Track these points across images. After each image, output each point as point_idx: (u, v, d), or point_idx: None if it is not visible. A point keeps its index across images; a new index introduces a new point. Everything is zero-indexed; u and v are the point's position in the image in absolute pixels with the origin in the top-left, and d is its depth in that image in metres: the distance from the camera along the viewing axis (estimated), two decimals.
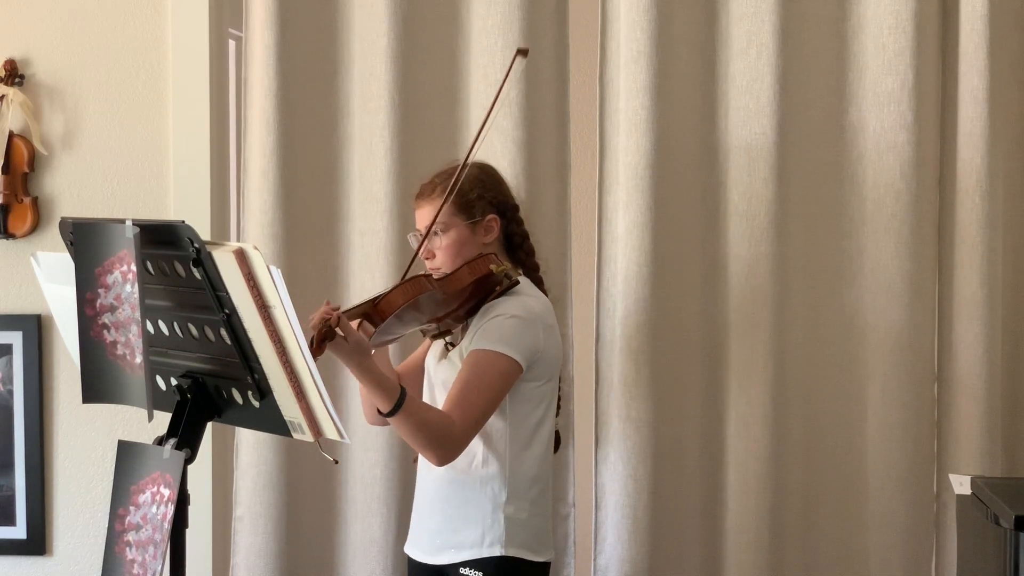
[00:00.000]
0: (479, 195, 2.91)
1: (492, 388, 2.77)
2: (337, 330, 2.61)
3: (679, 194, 3.35)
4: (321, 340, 2.60)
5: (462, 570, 2.82)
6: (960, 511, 3.04)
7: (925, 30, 3.31)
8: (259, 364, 2.29)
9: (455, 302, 2.83)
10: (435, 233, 2.88)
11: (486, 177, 2.96)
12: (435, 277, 2.82)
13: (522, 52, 2.96)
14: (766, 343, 3.34)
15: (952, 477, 3.04)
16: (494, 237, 2.93)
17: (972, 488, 2.85)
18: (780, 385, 3.36)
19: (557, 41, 3.38)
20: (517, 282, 2.89)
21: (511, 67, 2.93)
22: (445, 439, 2.73)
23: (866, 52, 3.34)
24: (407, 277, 2.79)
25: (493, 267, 2.85)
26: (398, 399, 2.69)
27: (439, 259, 2.88)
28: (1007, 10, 3.32)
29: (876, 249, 3.34)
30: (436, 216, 2.84)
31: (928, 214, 3.34)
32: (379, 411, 2.72)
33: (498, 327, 2.80)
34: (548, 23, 3.37)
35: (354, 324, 2.67)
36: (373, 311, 2.73)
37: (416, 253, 2.88)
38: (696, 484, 3.39)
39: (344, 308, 2.71)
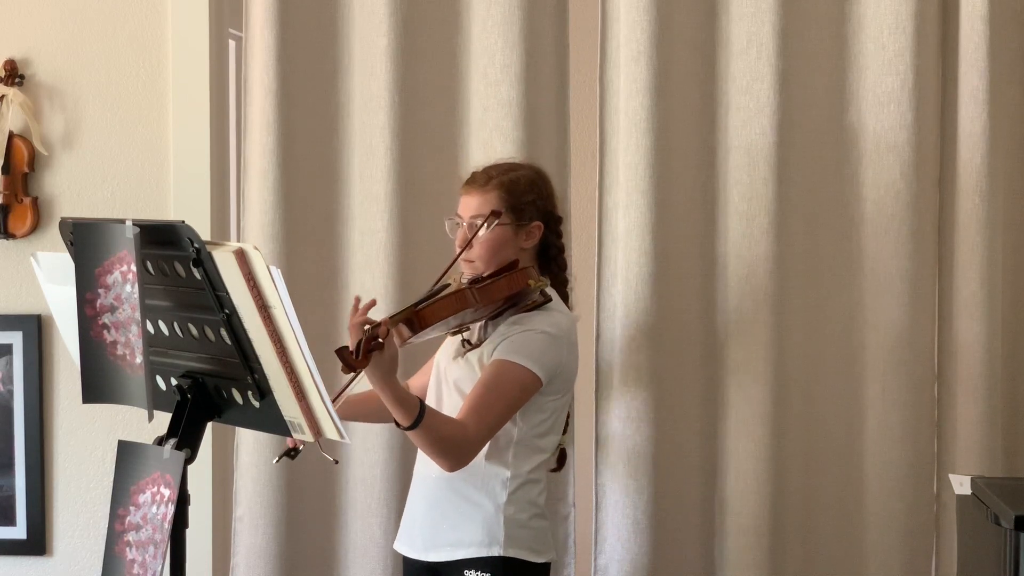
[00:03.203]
0: (532, 200, 2.88)
1: (510, 399, 2.77)
2: (383, 341, 2.59)
3: (679, 194, 3.35)
4: (369, 350, 2.58)
5: (466, 571, 2.81)
6: (960, 511, 3.04)
7: (925, 30, 3.31)
8: (259, 364, 2.29)
9: (487, 310, 2.83)
10: (477, 226, 2.85)
11: (542, 183, 2.94)
12: (475, 286, 2.79)
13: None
14: (766, 343, 3.34)
15: (952, 477, 3.04)
16: (533, 244, 2.92)
17: (972, 488, 2.85)
18: (780, 385, 3.36)
19: (557, 41, 3.38)
20: (550, 299, 2.89)
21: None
22: (458, 448, 2.73)
23: (866, 52, 3.34)
24: (454, 289, 2.78)
25: (531, 282, 2.84)
26: (417, 415, 2.67)
27: (476, 251, 2.86)
28: (1007, 10, 3.32)
29: (876, 249, 3.34)
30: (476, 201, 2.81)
31: (928, 214, 3.34)
32: (396, 424, 2.71)
33: (527, 341, 2.79)
34: (548, 23, 3.37)
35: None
36: (415, 318, 2.71)
37: (465, 244, 2.83)
38: (696, 484, 3.39)
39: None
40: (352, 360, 2.58)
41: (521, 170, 2.92)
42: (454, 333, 2.93)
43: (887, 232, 3.33)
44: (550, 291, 2.92)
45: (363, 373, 2.64)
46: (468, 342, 2.90)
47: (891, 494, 3.35)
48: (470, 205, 2.87)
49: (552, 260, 2.97)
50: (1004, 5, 3.31)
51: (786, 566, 3.39)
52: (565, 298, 3.00)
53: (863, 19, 3.34)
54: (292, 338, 2.23)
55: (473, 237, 2.83)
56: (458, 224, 2.90)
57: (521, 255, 2.88)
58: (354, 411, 3.04)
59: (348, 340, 2.64)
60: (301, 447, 2.82)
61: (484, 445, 2.77)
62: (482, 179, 2.88)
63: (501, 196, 2.85)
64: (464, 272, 2.89)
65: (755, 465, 3.35)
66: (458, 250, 2.87)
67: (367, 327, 2.59)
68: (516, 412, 2.79)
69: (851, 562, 3.39)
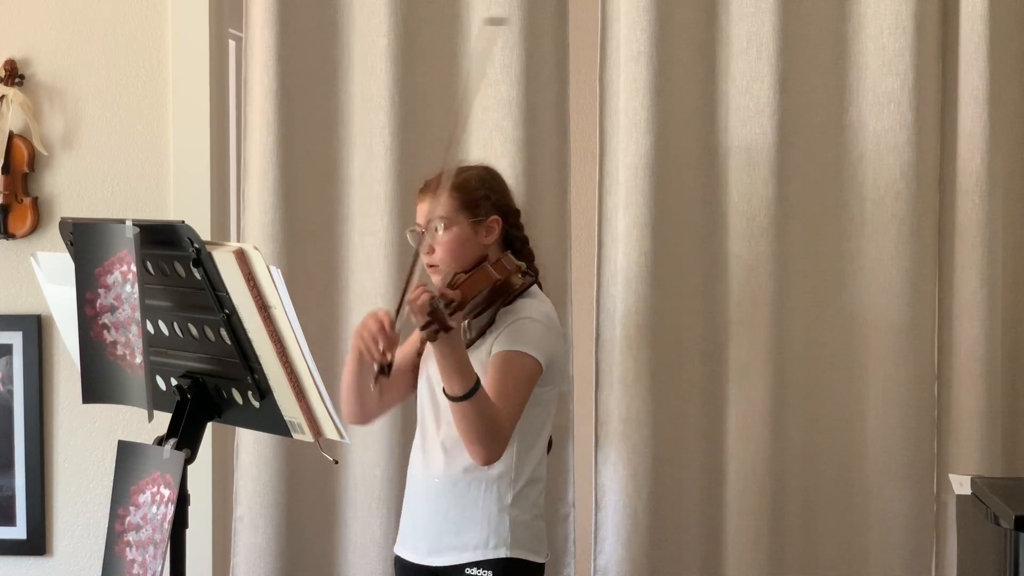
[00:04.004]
0: (484, 195, 2.90)
1: (525, 388, 2.78)
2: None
3: (679, 194, 3.35)
4: (451, 312, 2.62)
5: (468, 571, 2.81)
6: (960, 511, 3.04)
7: (925, 30, 3.31)
8: (259, 364, 2.29)
9: (481, 304, 2.83)
10: (435, 229, 2.87)
11: (491, 179, 2.96)
12: (486, 264, 2.84)
13: (496, 21, 2.91)
14: (766, 343, 3.34)
15: (952, 477, 3.04)
16: (494, 239, 2.92)
17: (972, 488, 2.85)
18: (780, 385, 3.36)
19: (557, 41, 3.38)
20: (534, 279, 2.90)
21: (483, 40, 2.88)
22: (498, 435, 2.72)
23: (866, 52, 3.34)
24: (477, 267, 2.81)
25: (519, 266, 2.88)
26: (474, 384, 2.68)
27: (439, 255, 2.87)
28: (1007, 10, 3.32)
29: (876, 249, 3.34)
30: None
31: (928, 214, 3.34)
32: (446, 393, 2.70)
33: (525, 329, 2.80)
34: (548, 23, 3.37)
35: None
36: (455, 295, 2.73)
37: (417, 251, 2.84)
38: (696, 484, 3.39)
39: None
40: (447, 321, 2.61)
41: (471, 170, 2.95)
42: None
43: (887, 232, 3.33)
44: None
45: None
46: None
47: (891, 494, 3.35)
48: (425, 211, 2.89)
49: (518, 252, 2.97)
50: (1004, 5, 3.31)
51: (786, 566, 3.39)
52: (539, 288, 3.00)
53: (863, 19, 3.34)
54: (292, 338, 2.23)
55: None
56: (420, 233, 2.90)
57: (486, 252, 2.89)
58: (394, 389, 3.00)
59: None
60: (389, 358, 2.72)
61: (511, 436, 2.76)
62: (433, 184, 2.90)
63: (453, 195, 2.86)
64: (433, 279, 2.89)
65: (755, 465, 3.35)
66: (423, 256, 2.86)
67: (433, 299, 2.62)
68: (527, 401, 2.79)
69: (851, 562, 3.39)
